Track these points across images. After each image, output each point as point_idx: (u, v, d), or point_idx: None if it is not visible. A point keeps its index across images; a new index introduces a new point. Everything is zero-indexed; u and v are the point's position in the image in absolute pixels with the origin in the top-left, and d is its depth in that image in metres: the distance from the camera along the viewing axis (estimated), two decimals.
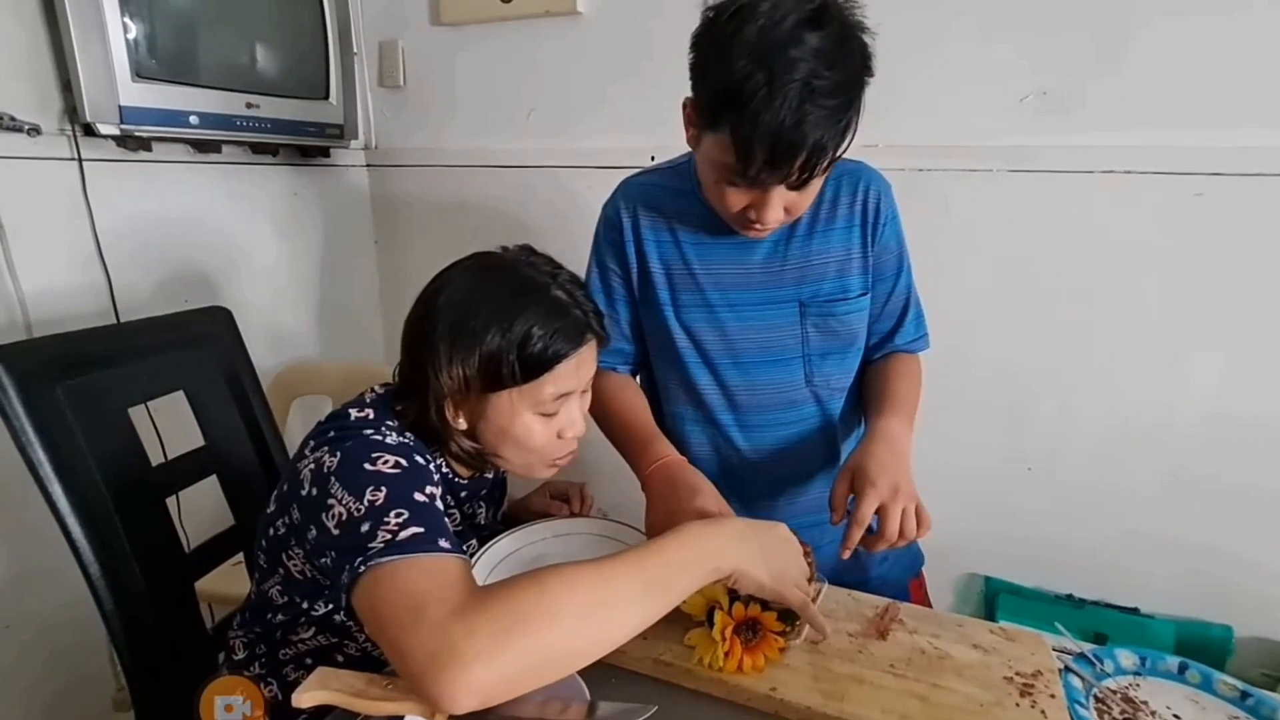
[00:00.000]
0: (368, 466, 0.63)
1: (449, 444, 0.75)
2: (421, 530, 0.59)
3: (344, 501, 0.61)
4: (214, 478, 0.98)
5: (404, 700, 0.54)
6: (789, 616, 0.71)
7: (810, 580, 0.71)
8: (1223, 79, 1.15)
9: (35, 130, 1.16)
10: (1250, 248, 1.19)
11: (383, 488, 0.62)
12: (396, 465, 0.65)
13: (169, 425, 1.08)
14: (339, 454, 0.65)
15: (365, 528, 0.59)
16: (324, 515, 0.62)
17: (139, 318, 1.03)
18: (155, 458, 0.92)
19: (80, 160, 1.23)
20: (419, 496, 0.63)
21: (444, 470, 0.78)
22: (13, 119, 1.13)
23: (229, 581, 1.07)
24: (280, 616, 0.76)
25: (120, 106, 1.18)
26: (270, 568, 0.75)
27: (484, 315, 0.69)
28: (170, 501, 0.92)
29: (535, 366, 0.70)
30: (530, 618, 0.52)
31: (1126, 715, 0.73)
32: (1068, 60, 1.23)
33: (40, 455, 0.77)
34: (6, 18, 1.13)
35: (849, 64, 0.68)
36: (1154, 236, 1.24)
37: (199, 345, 1.01)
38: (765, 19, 0.66)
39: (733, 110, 0.68)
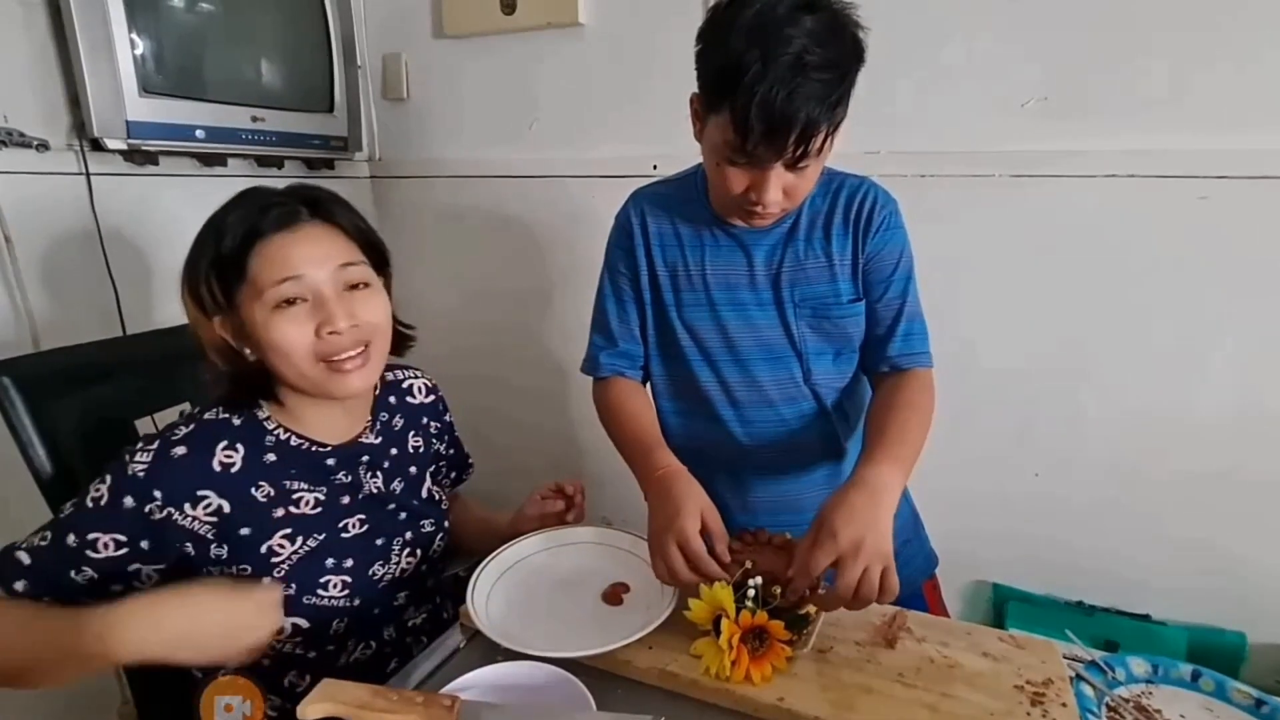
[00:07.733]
0: (91, 487, 0.68)
1: (280, 387, 0.76)
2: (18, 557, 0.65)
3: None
4: None
5: (409, 713, 0.53)
6: (797, 624, 0.70)
7: (816, 589, 0.70)
8: (1226, 81, 1.15)
9: (44, 145, 1.17)
10: (1256, 251, 1.19)
11: (70, 508, 0.67)
12: (95, 502, 0.67)
13: None
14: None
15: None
16: None
17: (145, 330, 1.04)
18: None
19: (88, 174, 1.23)
20: (70, 539, 0.65)
21: (298, 443, 0.76)
22: (21, 134, 1.14)
23: None
24: None
25: (127, 121, 1.19)
26: None
27: (198, 235, 0.72)
28: None
29: (237, 251, 0.70)
30: None
31: None
32: (1070, 64, 1.23)
33: (46, 467, 0.78)
34: (15, 35, 1.14)
35: (841, 44, 0.72)
36: (1158, 241, 1.24)
37: (204, 357, 1.01)
38: (762, 4, 0.71)
39: (731, 87, 0.71)
